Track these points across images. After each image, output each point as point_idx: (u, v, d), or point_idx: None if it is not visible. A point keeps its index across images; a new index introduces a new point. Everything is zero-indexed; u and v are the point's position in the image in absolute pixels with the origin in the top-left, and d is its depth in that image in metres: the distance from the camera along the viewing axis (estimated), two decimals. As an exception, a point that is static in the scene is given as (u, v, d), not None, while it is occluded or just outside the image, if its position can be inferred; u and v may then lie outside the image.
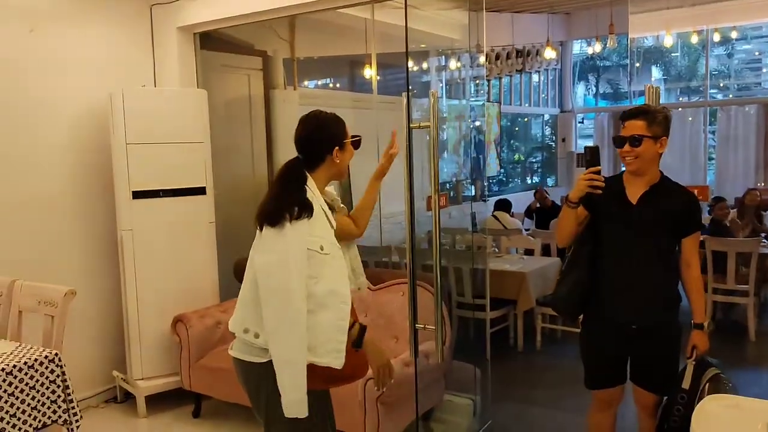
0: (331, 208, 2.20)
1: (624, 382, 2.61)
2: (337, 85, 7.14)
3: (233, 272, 4.33)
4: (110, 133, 3.81)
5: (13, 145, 3.66)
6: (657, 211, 2.43)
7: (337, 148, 2.15)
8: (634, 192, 2.47)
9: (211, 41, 4.61)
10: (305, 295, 1.88)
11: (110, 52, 4.09)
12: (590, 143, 11.45)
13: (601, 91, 12.73)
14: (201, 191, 3.98)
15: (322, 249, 1.94)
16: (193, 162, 3.96)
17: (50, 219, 3.82)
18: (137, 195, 3.78)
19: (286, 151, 5.39)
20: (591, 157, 2.42)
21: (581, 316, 2.67)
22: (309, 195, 2.04)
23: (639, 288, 2.45)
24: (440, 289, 2.64)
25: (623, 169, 2.53)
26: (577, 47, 11.42)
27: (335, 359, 1.92)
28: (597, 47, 9.37)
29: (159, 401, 3.89)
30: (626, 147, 2.40)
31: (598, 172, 2.36)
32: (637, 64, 10.44)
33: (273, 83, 5.33)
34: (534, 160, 11.62)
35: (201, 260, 4.00)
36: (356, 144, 2.26)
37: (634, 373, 2.58)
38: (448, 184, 6.23)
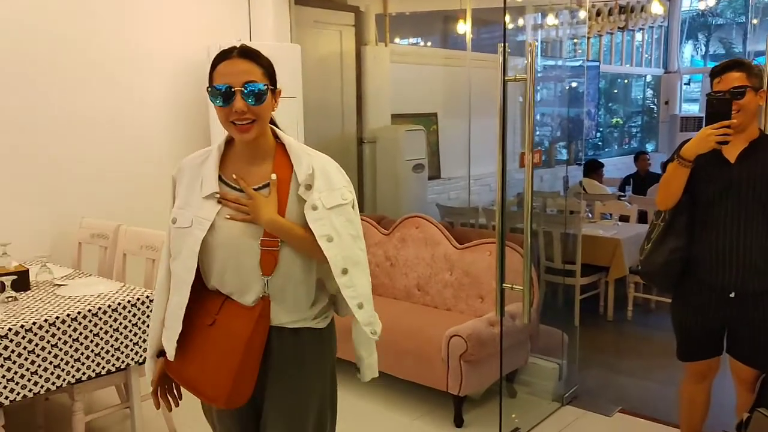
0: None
1: (720, 353, 2.45)
2: (428, 43, 7.02)
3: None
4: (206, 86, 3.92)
5: (114, 97, 3.81)
6: (759, 168, 2.21)
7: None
8: (731, 150, 2.25)
9: (305, -4, 4.62)
10: (165, 268, 1.70)
11: (207, 8, 4.18)
12: (695, 106, 10.75)
13: (711, 51, 11.88)
14: (292, 146, 4.04)
15: (174, 222, 1.63)
16: (286, 117, 3.97)
17: (149, 170, 3.99)
18: (232, 148, 3.88)
19: (377, 108, 5.41)
20: (720, 108, 2.16)
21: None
22: (199, 153, 1.68)
23: (740, 253, 2.26)
24: (530, 249, 2.57)
25: None
26: (687, 2, 10.64)
27: (168, 347, 1.66)
28: (710, 2, 8.68)
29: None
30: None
31: (730, 127, 2.13)
32: (755, 21, 9.62)
33: (364, 39, 5.31)
34: (633, 124, 11.06)
35: (291, 214, 4.08)
36: (213, 94, 1.53)
37: (731, 346, 2.41)
38: (540, 147, 6.04)
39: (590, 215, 5.57)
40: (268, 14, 4.30)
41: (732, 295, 2.30)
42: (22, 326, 2.36)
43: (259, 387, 1.62)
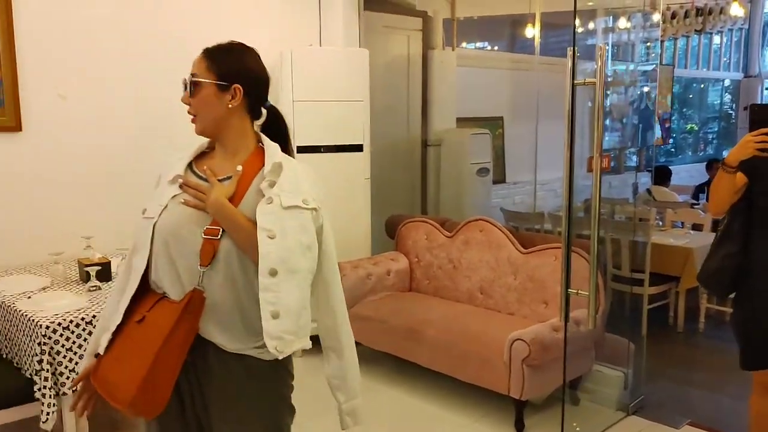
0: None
1: None
2: (495, 47, 6.99)
3: (384, 227, 4.48)
4: (279, 90, 4.04)
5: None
6: None
7: None
8: None
9: (375, 2, 4.70)
10: (127, 263, 1.62)
11: (279, 15, 4.30)
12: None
13: (796, 55, 11.29)
14: (359, 148, 4.12)
15: (144, 212, 1.58)
16: (353, 120, 4.10)
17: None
18: (301, 150, 3.97)
19: (442, 111, 5.44)
20: (761, 116, 2.18)
21: (733, 294, 2.46)
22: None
23: None
24: (596, 254, 2.54)
25: None
26: (770, 4, 10.18)
27: (102, 339, 1.56)
28: (795, 3, 8.28)
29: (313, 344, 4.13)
30: None
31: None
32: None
33: (431, 44, 5.35)
34: (709, 130, 10.64)
35: (356, 214, 4.16)
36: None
37: None
38: (610, 152, 5.92)
39: (661, 223, 5.42)
40: (338, 20, 4.40)
41: None
42: (104, 314, 2.51)
43: (204, 412, 1.54)
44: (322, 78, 3.99)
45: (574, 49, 2.55)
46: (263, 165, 1.54)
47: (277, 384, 1.59)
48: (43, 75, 3.38)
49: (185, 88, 1.57)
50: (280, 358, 1.47)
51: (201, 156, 1.64)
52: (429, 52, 5.31)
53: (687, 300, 4.68)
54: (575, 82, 2.54)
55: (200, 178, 1.56)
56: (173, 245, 1.50)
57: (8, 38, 3.24)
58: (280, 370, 1.57)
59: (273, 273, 1.43)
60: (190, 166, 1.60)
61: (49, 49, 3.39)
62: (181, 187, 1.54)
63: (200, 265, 1.47)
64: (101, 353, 1.54)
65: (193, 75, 1.56)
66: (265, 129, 1.65)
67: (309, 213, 1.52)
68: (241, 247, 1.47)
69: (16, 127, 3.31)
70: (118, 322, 1.52)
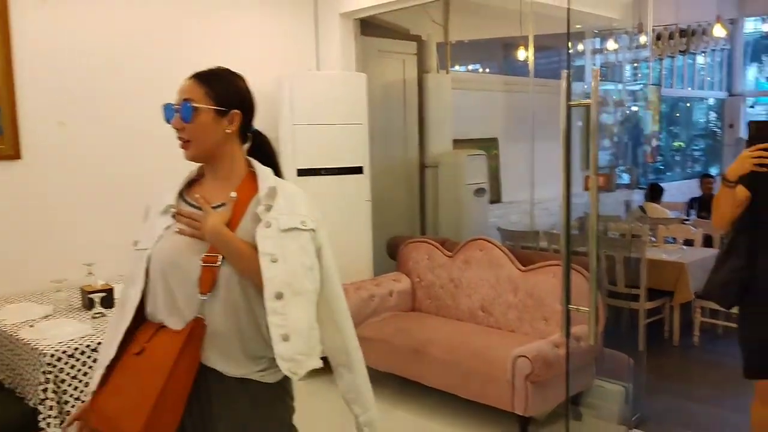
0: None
1: None
2: (487, 69, 7.13)
3: (386, 249, 4.54)
4: (278, 114, 4.11)
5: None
6: None
7: None
8: None
9: (370, 27, 4.81)
10: (122, 296, 1.62)
11: (277, 40, 4.40)
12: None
13: (777, 74, 11.55)
14: (359, 170, 4.19)
15: (136, 244, 1.59)
16: (353, 143, 4.18)
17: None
18: (301, 173, 4.05)
19: (438, 133, 5.53)
20: (758, 132, 2.28)
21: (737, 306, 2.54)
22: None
23: None
24: (596, 269, 2.61)
25: None
26: (750, 25, 10.43)
27: (96, 373, 1.55)
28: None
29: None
30: None
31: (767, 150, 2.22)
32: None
33: (426, 67, 5.46)
34: (696, 148, 10.84)
35: (357, 236, 4.21)
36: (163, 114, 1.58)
37: None
38: (607, 173, 6.04)
39: (653, 239, 5.51)
40: (335, 45, 4.50)
41: None
42: (116, 337, 2.54)
43: None
44: (322, 102, 4.07)
45: (568, 71, 2.64)
46: (256, 190, 1.53)
47: (279, 406, 1.59)
48: (42, 103, 3.42)
49: (174, 112, 1.53)
50: (296, 379, 1.48)
51: (190, 184, 1.63)
52: (424, 76, 5.41)
53: (681, 314, 4.75)
54: (570, 103, 2.63)
55: (192, 206, 1.55)
56: (171, 275, 1.49)
57: (7, 67, 3.29)
58: (282, 392, 1.57)
59: (279, 296, 1.43)
60: (180, 195, 1.60)
61: (47, 78, 3.44)
62: (174, 216, 1.51)
63: (200, 293, 1.46)
64: (94, 389, 1.53)
65: (187, 100, 1.52)
66: (251, 154, 1.64)
67: (308, 234, 1.53)
68: (242, 272, 1.46)
69: (15, 155, 3.35)
70: (112, 356, 1.51)
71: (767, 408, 2.51)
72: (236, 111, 1.55)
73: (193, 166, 1.65)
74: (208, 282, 1.46)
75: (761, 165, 2.23)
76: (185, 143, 1.55)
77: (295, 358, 1.45)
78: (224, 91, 1.55)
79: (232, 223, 1.49)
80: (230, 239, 1.46)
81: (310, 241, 1.54)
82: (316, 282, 1.54)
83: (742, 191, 2.36)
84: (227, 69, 1.61)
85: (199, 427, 1.52)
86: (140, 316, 1.54)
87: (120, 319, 1.56)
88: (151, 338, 1.48)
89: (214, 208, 1.51)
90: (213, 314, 1.47)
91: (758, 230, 2.38)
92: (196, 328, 1.46)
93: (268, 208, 1.49)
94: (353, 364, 1.68)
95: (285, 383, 1.57)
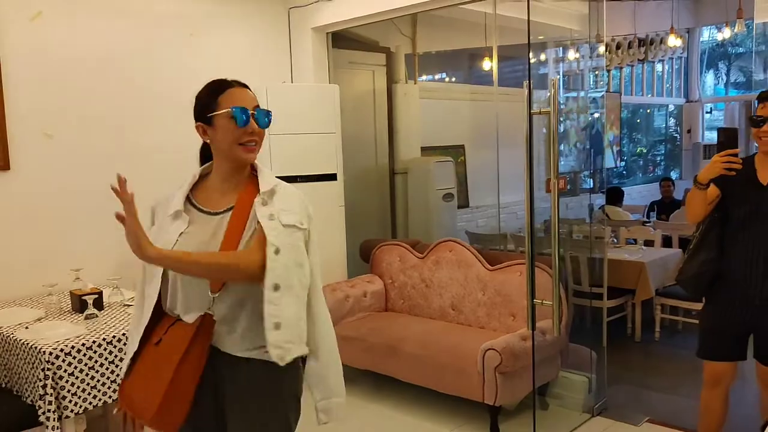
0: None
1: (738, 359, 2.65)
2: (453, 79, 7.35)
3: (359, 252, 4.69)
4: (255, 125, 4.24)
5: (173, 136, 4.14)
6: None
7: (202, 124, 1.73)
8: (766, 174, 2.51)
9: (341, 40, 4.98)
10: (140, 291, 1.79)
11: (253, 52, 4.55)
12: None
13: (733, 80, 12.02)
14: (332, 177, 4.35)
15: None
16: (326, 151, 4.34)
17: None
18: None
19: (407, 141, 5.73)
20: (727, 139, 2.46)
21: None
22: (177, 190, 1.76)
23: (766, 266, 2.49)
24: (558, 266, 2.80)
25: (754, 151, 2.58)
26: (707, 34, 10.88)
27: (123, 365, 1.78)
28: (728, 34, 8.91)
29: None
30: (765, 127, 2.44)
31: (736, 155, 2.41)
32: (774, 50, 9.80)
33: (395, 78, 5.65)
34: (657, 153, 11.22)
35: (331, 240, 4.37)
36: (235, 117, 1.65)
37: (758, 350, 2.62)
38: (566, 175, 6.28)
39: (615, 240, 5.75)
40: (309, 58, 4.66)
41: (757, 303, 2.52)
42: (104, 339, 2.66)
43: (220, 417, 1.69)
44: (296, 112, 4.22)
45: (530, 81, 2.83)
46: (258, 191, 1.68)
47: (286, 389, 1.72)
48: (30, 114, 3.52)
49: (249, 118, 1.64)
50: (282, 364, 1.61)
51: (195, 186, 1.76)
52: (393, 86, 5.61)
53: (643, 311, 4.99)
54: (532, 111, 2.83)
55: (199, 209, 1.70)
56: (186, 276, 1.66)
57: (-5, 79, 3.36)
58: (291, 369, 1.68)
59: (276, 288, 1.57)
60: (188, 198, 1.73)
61: (35, 89, 3.54)
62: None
63: (211, 292, 1.64)
64: (122, 377, 1.74)
65: (257, 107, 1.67)
66: (204, 151, 1.82)
67: (302, 233, 1.67)
68: (209, 276, 1.62)
69: (4, 166, 3.44)
70: (135, 349, 1.71)
71: (712, 391, 2.72)
72: None
73: (191, 172, 1.79)
74: (218, 282, 1.64)
75: (729, 169, 2.42)
76: (255, 145, 1.69)
77: (284, 345, 1.60)
78: None
79: (239, 224, 1.64)
80: (177, 257, 1.58)
81: (302, 239, 1.68)
82: (306, 277, 1.68)
83: (713, 190, 2.57)
84: None
85: (211, 405, 1.69)
86: (159, 311, 1.72)
87: (140, 315, 1.74)
88: (167, 330, 1.67)
89: (222, 212, 1.68)
90: (222, 309, 1.65)
91: (727, 226, 2.59)
92: (206, 322, 1.64)
93: (265, 203, 1.65)
94: (320, 355, 1.78)
95: (291, 367, 1.67)
